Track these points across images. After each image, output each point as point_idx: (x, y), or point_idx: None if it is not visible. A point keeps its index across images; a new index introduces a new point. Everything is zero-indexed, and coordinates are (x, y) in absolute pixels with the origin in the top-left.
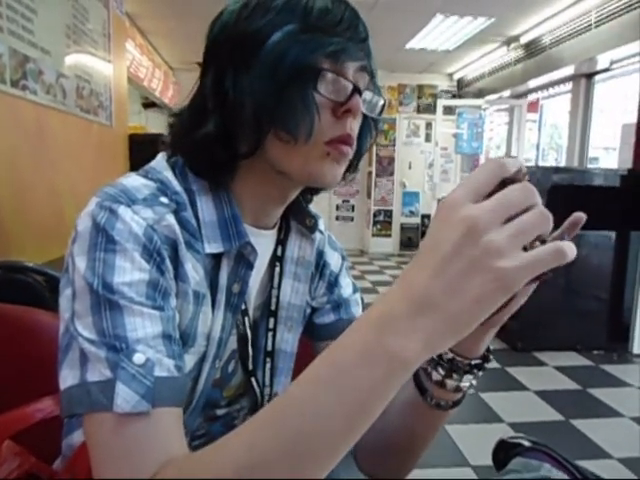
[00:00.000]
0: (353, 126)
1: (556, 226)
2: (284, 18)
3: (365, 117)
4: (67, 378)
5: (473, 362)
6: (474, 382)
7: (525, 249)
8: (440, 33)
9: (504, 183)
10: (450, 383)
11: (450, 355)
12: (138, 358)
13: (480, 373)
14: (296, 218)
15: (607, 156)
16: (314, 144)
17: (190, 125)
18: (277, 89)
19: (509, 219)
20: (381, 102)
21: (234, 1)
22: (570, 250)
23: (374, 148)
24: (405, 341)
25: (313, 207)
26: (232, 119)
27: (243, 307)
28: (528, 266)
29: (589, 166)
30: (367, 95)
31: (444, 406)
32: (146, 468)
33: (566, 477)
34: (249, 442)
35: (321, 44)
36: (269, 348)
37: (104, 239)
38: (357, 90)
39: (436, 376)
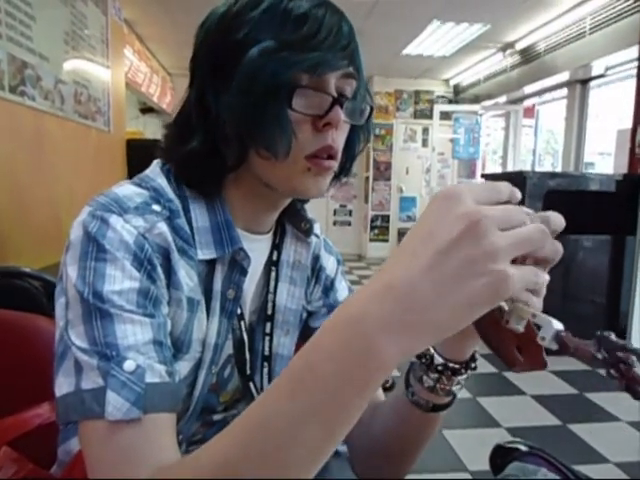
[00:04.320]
0: (336, 137)
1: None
2: (261, 32)
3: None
4: (63, 386)
5: (450, 365)
6: (455, 389)
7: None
8: (436, 39)
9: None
10: (441, 387)
11: (441, 360)
12: (129, 365)
13: (462, 379)
14: (291, 222)
15: (603, 161)
16: (294, 160)
17: (178, 139)
18: (254, 107)
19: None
20: (368, 108)
21: (221, 4)
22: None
23: (371, 153)
24: (384, 343)
25: (310, 212)
26: (216, 135)
27: (239, 312)
28: (524, 275)
29: (585, 171)
30: (349, 104)
31: (424, 406)
32: (138, 475)
33: None
34: (221, 459)
35: (297, 61)
36: (266, 352)
37: (95, 248)
38: (337, 101)
39: (427, 382)
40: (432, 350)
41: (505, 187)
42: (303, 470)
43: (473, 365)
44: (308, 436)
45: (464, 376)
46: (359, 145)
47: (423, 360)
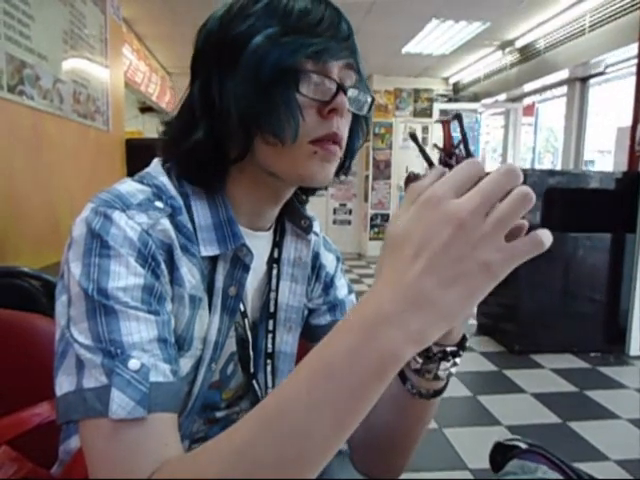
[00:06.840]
0: (340, 125)
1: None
2: (264, 21)
3: (356, 116)
4: (63, 384)
5: (448, 349)
6: (453, 370)
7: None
8: (436, 38)
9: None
10: (428, 371)
11: (438, 348)
12: (133, 364)
13: (458, 360)
14: (291, 219)
15: (602, 159)
16: (299, 144)
17: (180, 134)
18: (260, 93)
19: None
20: (369, 99)
21: (219, 8)
22: (547, 238)
23: (370, 152)
24: (397, 340)
25: (309, 211)
26: (220, 125)
27: (242, 309)
28: (513, 257)
29: (584, 169)
30: (353, 93)
31: (425, 395)
32: (141, 474)
33: (562, 479)
34: (240, 446)
35: (301, 45)
36: (269, 350)
37: (99, 244)
38: (342, 88)
39: (414, 364)
40: None
41: (474, 166)
42: (313, 460)
43: (466, 344)
44: (321, 426)
45: (460, 357)
46: (358, 141)
47: (421, 354)
